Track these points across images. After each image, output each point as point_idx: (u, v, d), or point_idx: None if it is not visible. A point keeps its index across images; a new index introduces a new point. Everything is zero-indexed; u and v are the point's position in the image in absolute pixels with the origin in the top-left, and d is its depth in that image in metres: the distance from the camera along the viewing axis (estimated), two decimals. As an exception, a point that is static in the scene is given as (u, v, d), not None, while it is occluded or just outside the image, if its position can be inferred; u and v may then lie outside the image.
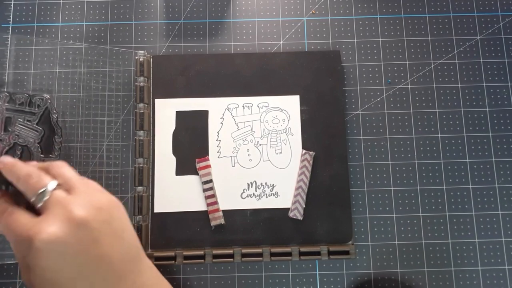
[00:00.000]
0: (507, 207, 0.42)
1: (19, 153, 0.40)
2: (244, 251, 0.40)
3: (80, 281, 0.28)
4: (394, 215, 0.42)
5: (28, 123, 0.41)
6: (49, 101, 0.41)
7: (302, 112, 0.42)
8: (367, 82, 0.44)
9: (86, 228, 0.28)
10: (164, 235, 0.40)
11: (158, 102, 0.42)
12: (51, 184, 0.30)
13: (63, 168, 0.32)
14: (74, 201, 0.29)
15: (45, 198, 0.29)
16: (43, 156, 0.40)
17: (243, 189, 0.41)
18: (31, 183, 0.30)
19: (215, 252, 0.40)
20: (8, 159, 0.32)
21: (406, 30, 0.45)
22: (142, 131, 0.41)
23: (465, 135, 0.43)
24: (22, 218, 0.29)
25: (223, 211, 0.40)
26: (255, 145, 0.42)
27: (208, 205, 0.40)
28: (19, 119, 0.40)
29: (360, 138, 0.43)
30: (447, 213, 0.42)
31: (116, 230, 0.30)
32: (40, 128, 0.40)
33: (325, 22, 0.45)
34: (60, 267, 0.27)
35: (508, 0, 0.46)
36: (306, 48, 0.45)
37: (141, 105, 0.42)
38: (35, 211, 0.29)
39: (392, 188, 0.42)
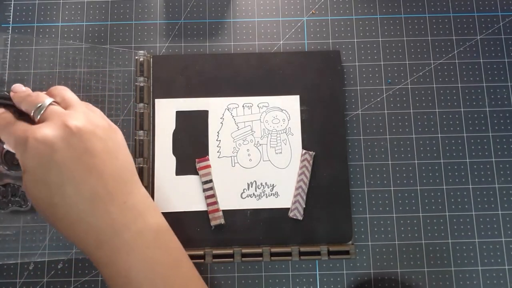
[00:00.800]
0: (507, 207, 0.42)
1: None
2: (244, 251, 0.40)
3: (67, 185, 0.29)
4: (394, 215, 0.42)
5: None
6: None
7: (302, 112, 0.42)
8: (367, 82, 0.44)
9: (79, 137, 0.30)
10: (164, 235, 0.40)
11: (158, 102, 0.42)
12: (47, 100, 0.32)
13: (64, 90, 0.35)
14: (70, 114, 0.31)
15: (42, 111, 0.31)
16: None
17: (243, 189, 0.41)
18: (30, 100, 0.32)
19: (215, 252, 0.40)
20: (18, 88, 0.34)
21: (406, 30, 0.45)
22: (142, 131, 0.41)
23: (465, 135, 0.43)
24: (22, 124, 0.31)
25: (223, 211, 0.40)
26: (255, 145, 0.42)
27: (208, 205, 0.40)
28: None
29: (360, 138, 0.43)
30: (447, 213, 0.42)
31: (110, 149, 0.31)
32: None
33: (325, 22, 0.45)
34: (49, 166, 0.29)
35: (508, 0, 0.46)
36: (306, 48, 0.45)
37: (141, 105, 0.42)
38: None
39: (392, 188, 0.42)
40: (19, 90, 0.34)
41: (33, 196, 0.30)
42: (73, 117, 0.31)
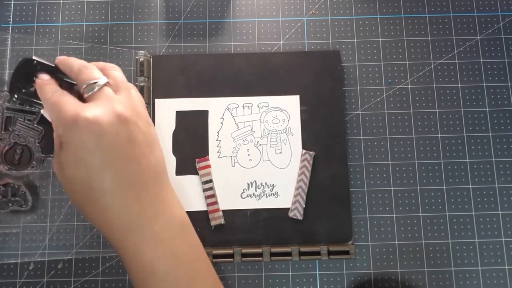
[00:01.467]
0: (507, 207, 0.42)
1: (19, 152, 0.40)
2: (244, 251, 0.40)
3: (108, 171, 0.29)
4: (394, 215, 0.42)
5: (28, 122, 0.40)
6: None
7: (302, 112, 0.42)
8: (367, 82, 0.44)
9: (125, 126, 0.30)
10: (164, 235, 0.40)
11: (158, 102, 0.42)
12: (102, 79, 0.32)
13: (117, 71, 0.34)
14: (120, 100, 0.31)
15: (95, 90, 0.31)
16: (43, 155, 0.40)
17: (243, 189, 0.41)
18: (84, 72, 0.32)
19: (215, 252, 0.40)
20: (63, 57, 0.34)
21: (406, 30, 0.45)
22: (142, 131, 0.41)
23: (465, 135, 0.43)
24: (71, 99, 0.31)
25: (223, 211, 0.40)
26: (255, 145, 0.42)
27: (208, 205, 0.40)
28: (20, 119, 0.40)
29: (360, 138, 0.43)
30: (447, 213, 0.42)
31: (149, 143, 0.32)
32: (41, 128, 0.41)
33: (325, 22, 0.45)
34: (94, 149, 0.29)
35: (508, 0, 0.46)
36: (306, 48, 0.45)
37: (141, 105, 0.42)
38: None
39: (392, 188, 0.42)
40: (68, 59, 0.34)
41: (69, 175, 0.30)
42: (123, 104, 0.31)
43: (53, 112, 0.31)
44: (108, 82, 0.32)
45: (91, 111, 0.29)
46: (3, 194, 0.40)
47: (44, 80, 0.33)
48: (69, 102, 0.30)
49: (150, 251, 0.30)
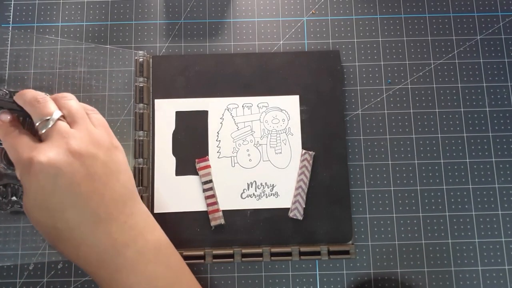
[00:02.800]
0: (507, 207, 0.42)
1: None
2: (244, 251, 0.40)
3: (69, 210, 0.29)
4: (394, 215, 0.42)
5: (28, 124, 0.40)
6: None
7: (301, 112, 0.42)
8: (367, 82, 0.44)
9: (81, 162, 0.29)
10: (164, 235, 0.40)
11: (158, 102, 0.42)
12: (56, 113, 0.31)
13: (71, 100, 0.34)
14: (74, 135, 0.31)
15: (49, 126, 0.31)
16: None
17: (243, 189, 0.41)
18: (37, 107, 0.31)
19: (215, 252, 0.40)
20: (21, 91, 0.34)
21: (406, 30, 0.45)
22: (142, 131, 0.41)
23: (465, 135, 0.43)
24: (26, 140, 0.31)
25: (223, 211, 0.40)
26: (255, 145, 0.42)
27: (208, 205, 0.40)
28: (20, 118, 0.40)
29: (360, 138, 0.43)
30: (447, 213, 0.42)
31: (111, 171, 0.31)
32: None
33: (325, 22, 0.45)
34: (52, 191, 0.28)
35: (508, 0, 0.46)
36: (306, 48, 0.45)
37: (141, 105, 0.42)
38: (38, 137, 0.31)
39: (392, 188, 0.42)
40: (22, 93, 0.33)
41: (34, 220, 0.30)
42: (78, 139, 0.30)
43: (11, 155, 0.31)
44: (62, 116, 0.32)
45: (45, 153, 0.29)
46: (3, 195, 0.40)
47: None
48: (23, 144, 0.30)
49: (125, 279, 0.30)
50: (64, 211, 0.29)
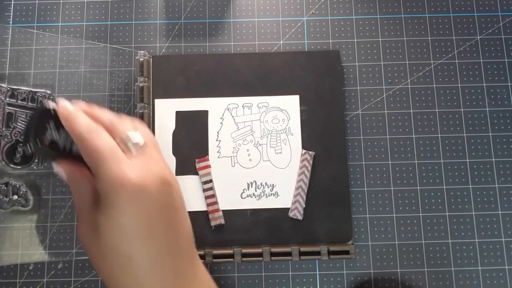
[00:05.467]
0: (507, 207, 0.42)
1: (20, 150, 0.40)
2: (244, 251, 0.40)
3: (151, 239, 0.26)
4: (394, 215, 0.42)
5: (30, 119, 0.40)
6: (52, 97, 0.40)
7: (301, 112, 0.42)
8: (367, 82, 0.44)
9: (168, 190, 0.28)
10: (164, 235, 0.40)
11: (158, 102, 0.42)
12: (141, 137, 0.29)
13: (145, 127, 0.32)
14: (160, 161, 0.29)
15: (140, 145, 0.28)
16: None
17: (243, 189, 0.41)
18: (121, 126, 0.29)
19: (215, 252, 0.40)
20: (81, 103, 0.30)
21: (406, 30, 0.45)
22: (142, 131, 0.41)
23: (465, 135, 0.43)
24: (114, 148, 0.27)
25: (223, 211, 0.40)
26: (255, 145, 0.42)
27: (208, 205, 0.40)
28: (21, 115, 0.40)
29: (360, 138, 0.43)
30: (447, 213, 0.42)
31: (184, 206, 0.30)
32: None
33: (325, 22, 0.45)
34: (140, 216, 0.26)
35: (508, 0, 0.46)
36: (306, 48, 0.45)
37: (141, 105, 0.42)
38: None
39: (392, 188, 0.42)
40: (94, 109, 0.29)
41: (108, 243, 0.26)
42: (163, 165, 0.28)
43: (90, 157, 0.27)
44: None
45: (139, 174, 0.26)
46: (4, 193, 0.39)
47: (70, 111, 0.28)
48: (113, 153, 0.26)
49: None
50: (146, 239, 0.26)
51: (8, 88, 0.39)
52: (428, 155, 0.43)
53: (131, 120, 0.31)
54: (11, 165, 0.39)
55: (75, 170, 0.29)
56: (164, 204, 0.27)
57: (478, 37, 0.45)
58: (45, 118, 0.29)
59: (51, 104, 0.29)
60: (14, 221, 0.41)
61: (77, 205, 0.29)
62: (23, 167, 0.40)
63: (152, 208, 0.26)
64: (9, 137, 0.39)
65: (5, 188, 0.39)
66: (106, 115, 0.29)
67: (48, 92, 0.41)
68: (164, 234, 0.27)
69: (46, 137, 0.29)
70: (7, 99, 0.39)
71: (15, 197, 0.39)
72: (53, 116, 0.29)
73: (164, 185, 0.27)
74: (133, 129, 0.29)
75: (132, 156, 0.27)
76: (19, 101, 0.40)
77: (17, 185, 0.40)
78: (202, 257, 0.39)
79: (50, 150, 0.29)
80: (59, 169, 0.29)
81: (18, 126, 0.39)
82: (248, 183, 0.41)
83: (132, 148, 0.28)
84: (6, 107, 0.39)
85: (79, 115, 0.28)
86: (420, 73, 0.44)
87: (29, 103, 0.40)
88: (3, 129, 0.39)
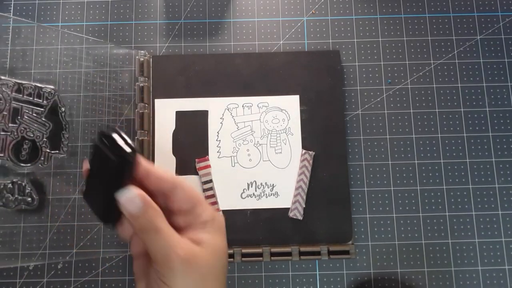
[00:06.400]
0: (507, 207, 0.42)
1: (26, 147, 0.38)
2: (244, 251, 0.40)
3: None
4: (394, 215, 0.42)
5: (36, 115, 0.38)
6: (57, 94, 0.39)
7: (301, 112, 0.42)
8: (367, 82, 0.44)
9: (225, 259, 0.28)
10: (164, 235, 0.40)
11: (158, 102, 0.42)
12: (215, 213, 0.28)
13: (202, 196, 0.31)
14: (222, 230, 0.28)
15: (214, 220, 0.27)
16: (52, 152, 0.38)
17: (243, 189, 0.41)
18: (205, 202, 0.28)
19: (215, 252, 0.40)
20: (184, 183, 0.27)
21: (406, 30, 0.45)
22: (142, 131, 0.41)
23: (465, 135, 0.43)
24: (178, 238, 0.26)
25: (223, 211, 0.40)
26: (255, 145, 0.42)
27: (208, 205, 0.40)
28: (27, 111, 0.38)
29: (360, 138, 0.43)
30: (447, 213, 0.42)
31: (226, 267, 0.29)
32: (49, 122, 0.38)
33: (325, 22, 0.45)
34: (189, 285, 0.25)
35: (508, 0, 0.46)
36: (306, 48, 0.45)
37: (141, 105, 0.42)
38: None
39: (392, 188, 0.42)
40: (191, 188, 0.27)
41: None
42: (224, 234, 0.28)
43: (153, 246, 0.25)
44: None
45: (206, 252, 0.26)
46: (11, 192, 0.38)
47: (150, 206, 0.25)
48: (178, 240, 0.25)
49: None
50: None
51: (15, 82, 0.38)
52: (428, 155, 0.43)
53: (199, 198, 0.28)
54: (19, 163, 0.37)
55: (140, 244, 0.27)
56: (222, 273, 0.27)
57: (478, 37, 0.45)
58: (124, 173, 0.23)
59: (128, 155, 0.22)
60: (14, 222, 0.40)
61: (136, 275, 0.28)
62: (28, 165, 0.38)
63: (214, 277, 0.26)
64: (15, 134, 0.37)
65: (12, 187, 0.38)
66: (196, 194, 0.28)
67: (55, 88, 0.40)
68: None
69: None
70: (13, 93, 0.38)
71: (21, 196, 0.38)
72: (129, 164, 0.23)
73: (226, 255, 0.27)
74: (211, 210, 0.28)
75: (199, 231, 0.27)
76: (25, 96, 0.38)
77: (23, 184, 0.38)
78: (202, 257, 0.39)
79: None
80: (127, 235, 0.27)
81: (24, 123, 0.38)
82: (248, 183, 0.41)
83: (208, 225, 0.27)
84: (12, 102, 0.37)
85: (156, 211, 0.25)
86: (420, 73, 0.44)
87: (35, 99, 0.38)
88: (9, 124, 0.37)
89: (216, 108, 0.42)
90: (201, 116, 0.42)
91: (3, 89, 0.38)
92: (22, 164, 0.38)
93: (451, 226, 0.41)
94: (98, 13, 0.45)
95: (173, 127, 0.42)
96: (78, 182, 0.42)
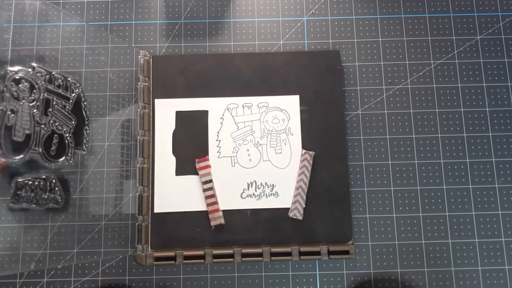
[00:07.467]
0: (507, 207, 0.42)
1: (56, 142, 0.35)
2: (244, 251, 0.40)
3: None
4: (394, 215, 0.42)
5: (63, 108, 0.35)
6: (81, 87, 0.36)
7: (301, 112, 0.42)
8: (367, 82, 0.44)
9: None
10: (164, 235, 0.40)
11: (158, 102, 0.42)
12: None
13: None
14: None
15: None
16: (77, 147, 0.36)
17: (243, 189, 0.41)
18: None
19: (215, 252, 0.40)
20: None
21: (406, 30, 0.45)
22: (142, 131, 0.41)
23: (465, 135, 0.43)
24: None
25: (223, 211, 0.41)
26: (255, 145, 0.42)
27: (208, 205, 0.40)
28: (56, 103, 0.35)
29: (360, 138, 0.43)
30: (447, 213, 0.42)
31: None
32: (74, 116, 0.36)
33: (325, 22, 0.45)
34: None
35: (508, 0, 0.46)
36: (306, 48, 0.45)
37: (141, 105, 0.42)
38: None
39: (392, 188, 0.42)
40: None
41: None
42: None
43: None
44: None
45: None
46: (44, 189, 0.35)
47: None
48: None
49: None
50: None
51: (46, 71, 0.34)
52: (428, 155, 0.43)
53: None
54: (50, 159, 0.34)
55: None
56: None
57: (478, 37, 0.45)
58: None
59: None
60: (14, 222, 0.40)
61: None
62: (56, 161, 0.35)
63: None
64: (47, 127, 0.34)
65: (44, 183, 0.35)
66: None
67: (77, 79, 0.37)
68: None
69: None
70: (46, 83, 0.34)
71: (53, 194, 0.35)
72: None
73: None
74: None
75: None
76: (55, 87, 0.35)
77: (53, 181, 0.36)
78: (202, 257, 0.39)
79: None
80: None
81: (54, 115, 0.34)
82: (248, 183, 0.41)
83: None
84: (45, 93, 0.34)
85: None
86: (420, 73, 0.44)
87: (63, 91, 0.35)
88: (43, 116, 0.34)
89: (216, 108, 0.42)
90: (201, 116, 0.42)
91: (38, 77, 0.34)
92: (52, 160, 0.35)
93: (451, 226, 0.41)
94: (98, 13, 0.45)
95: (173, 127, 0.42)
96: (78, 181, 0.41)
